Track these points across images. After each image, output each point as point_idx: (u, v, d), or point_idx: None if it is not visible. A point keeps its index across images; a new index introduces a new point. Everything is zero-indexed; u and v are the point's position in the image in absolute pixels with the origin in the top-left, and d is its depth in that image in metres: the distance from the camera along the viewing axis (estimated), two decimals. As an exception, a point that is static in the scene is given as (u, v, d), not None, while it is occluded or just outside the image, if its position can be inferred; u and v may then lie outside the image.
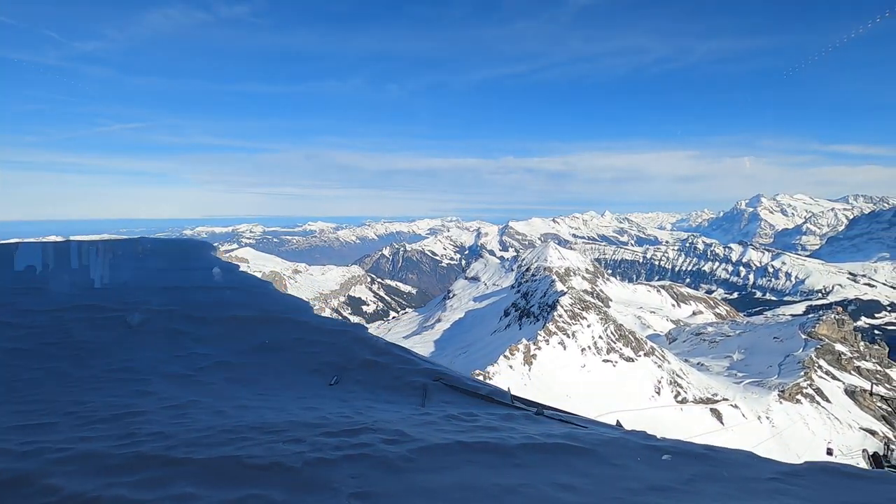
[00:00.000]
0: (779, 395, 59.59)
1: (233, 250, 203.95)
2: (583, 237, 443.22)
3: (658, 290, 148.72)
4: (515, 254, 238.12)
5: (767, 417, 56.11)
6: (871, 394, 48.13)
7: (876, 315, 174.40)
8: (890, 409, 46.57)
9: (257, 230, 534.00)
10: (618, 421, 5.47)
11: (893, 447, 14.65)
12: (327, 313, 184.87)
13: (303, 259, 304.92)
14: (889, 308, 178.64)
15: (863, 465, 15.02)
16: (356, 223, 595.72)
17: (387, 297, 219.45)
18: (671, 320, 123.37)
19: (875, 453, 14.58)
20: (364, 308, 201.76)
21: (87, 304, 6.95)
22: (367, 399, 4.96)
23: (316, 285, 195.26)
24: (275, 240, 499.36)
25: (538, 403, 5.57)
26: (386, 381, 5.51)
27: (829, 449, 19.26)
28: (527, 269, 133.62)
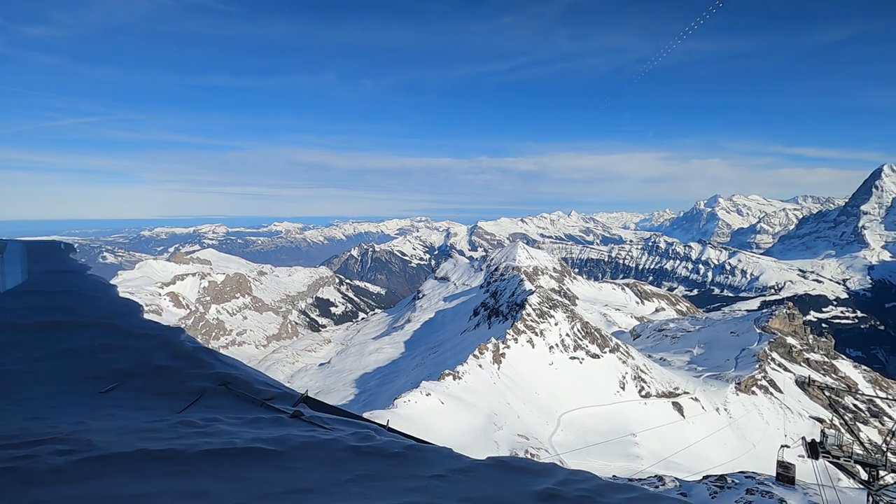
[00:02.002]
0: (735, 387, 62.29)
1: (195, 251, 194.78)
2: (550, 237, 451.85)
3: (622, 288, 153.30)
4: (484, 253, 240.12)
5: (725, 409, 58.50)
6: (810, 383, 51.12)
7: (823, 309, 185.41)
8: (830, 398, 49.61)
9: (221, 231, 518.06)
10: (388, 420, 5.46)
11: (827, 435, 15.32)
12: (294, 315, 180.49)
13: (268, 260, 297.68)
14: (835, 302, 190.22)
15: (802, 452, 15.67)
16: (324, 224, 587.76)
17: (356, 299, 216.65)
18: (635, 317, 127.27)
19: (812, 440, 15.18)
20: (332, 309, 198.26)
21: None
22: (124, 407, 4.63)
23: (282, 287, 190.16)
24: (239, 241, 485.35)
25: (328, 405, 5.39)
26: (167, 386, 5.22)
27: (784, 467, 16.58)
28: (496, 269, 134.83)
